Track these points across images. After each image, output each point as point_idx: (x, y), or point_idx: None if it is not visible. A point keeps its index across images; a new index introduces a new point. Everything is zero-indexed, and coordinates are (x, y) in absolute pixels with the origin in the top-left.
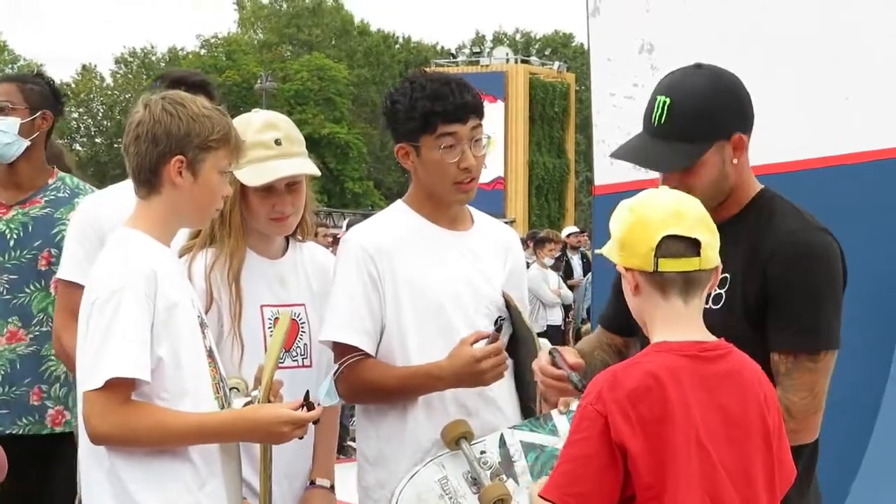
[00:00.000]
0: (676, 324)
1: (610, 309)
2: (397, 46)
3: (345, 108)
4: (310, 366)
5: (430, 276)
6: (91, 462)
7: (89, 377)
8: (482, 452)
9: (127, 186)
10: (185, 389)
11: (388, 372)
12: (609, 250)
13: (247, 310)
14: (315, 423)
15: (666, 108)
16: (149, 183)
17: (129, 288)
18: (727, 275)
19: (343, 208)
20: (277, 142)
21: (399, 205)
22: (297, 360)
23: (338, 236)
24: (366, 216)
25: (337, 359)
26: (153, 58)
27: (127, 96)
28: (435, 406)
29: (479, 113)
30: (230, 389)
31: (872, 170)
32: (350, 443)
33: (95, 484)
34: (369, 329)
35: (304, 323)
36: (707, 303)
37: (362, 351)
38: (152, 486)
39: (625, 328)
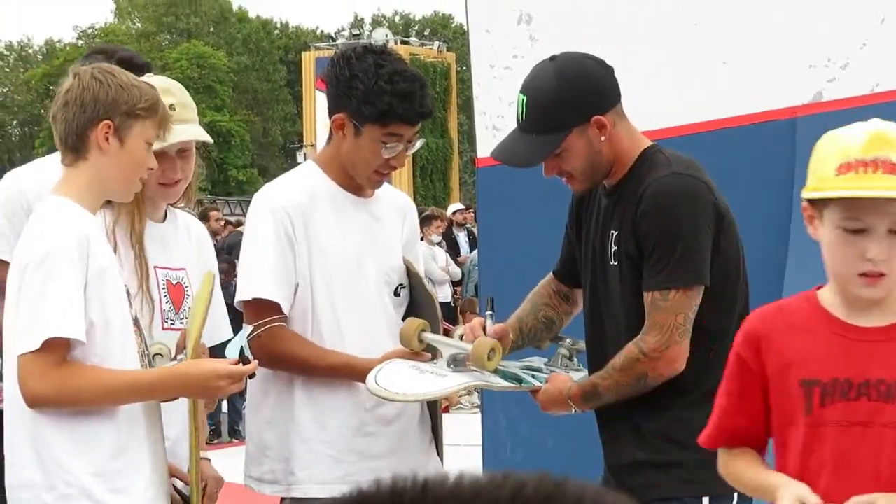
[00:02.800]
0: None
1: (563, 264)
2: (276, 32)
3: (226, 96)
4: None
5: (338, 239)
6: (16, 430)
7: (25, 340)
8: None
9: (50, 160)
10: (113, 354)
11: (316, 353)
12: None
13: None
14: (251, 377)
15: (524, 105)
16: (75, 149)
17: (63, 251)
18: (616, 231)
19: (228, 196)
20: (172, 107)
21: (311, 165)
22: (185, 323)
23: (231, 221)
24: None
25: (251, 318)
26: (30, 51)
27: (4, 90)
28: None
29: (429, 116)
30: (153, 356)
31: (752, 133)
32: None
33: (19, 451)
34: (285, 288)
35: (188, 287)
36: (609, 260)
37: (280, 314)
38: (80, 451)
39: (574, 280)
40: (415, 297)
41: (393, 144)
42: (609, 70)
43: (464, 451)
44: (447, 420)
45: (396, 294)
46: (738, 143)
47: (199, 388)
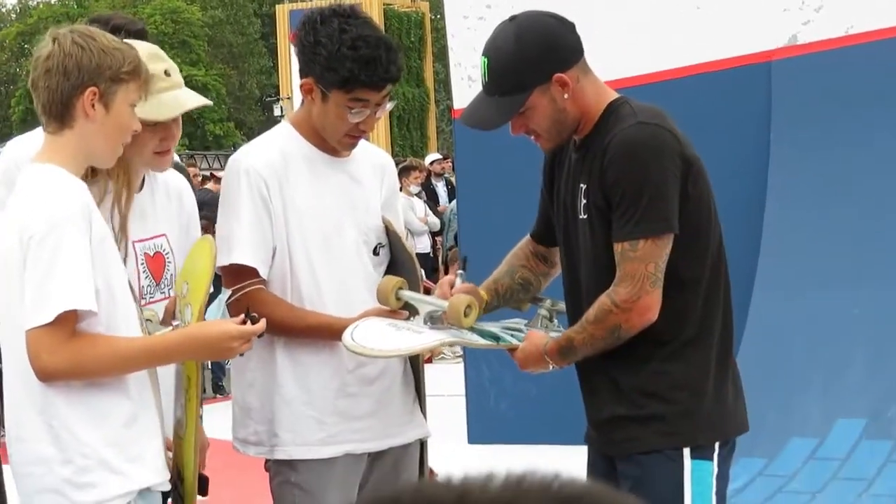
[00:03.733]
0: None
1: (539, 225)
2: None
3: (201, 51)
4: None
5: (315, 201)
6: (22, 404)
7: (35, 313)
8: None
9: None
10: (118, 321)
11: (295, 314)
12: None
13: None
14: (259, 336)
15: (486, 66)
16: (60, 117)
17: (69, 220)
18: (585, 185)
19: (205, 150)
20: (167, 73)
21: (286, 127)
22: (165, 293)
23: (207, 176)
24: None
25: (229, 282)
26: (3, 10)
27: None
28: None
29: (397, 80)
30: (145, 321)
31: (727, 77)
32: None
33: (28, 426)
34: (262, 252)
35: (168, 253)
36: (580, 213)
37: (258, 277)
38: (95, 422)
39: (551, 240)
40: (395, 255)
41: (359, 110)
42: (569, 26)
43: (448, 402)
44: (430, 370)
45: (375, 253)
46: (714, 88)
47: (211, 350)
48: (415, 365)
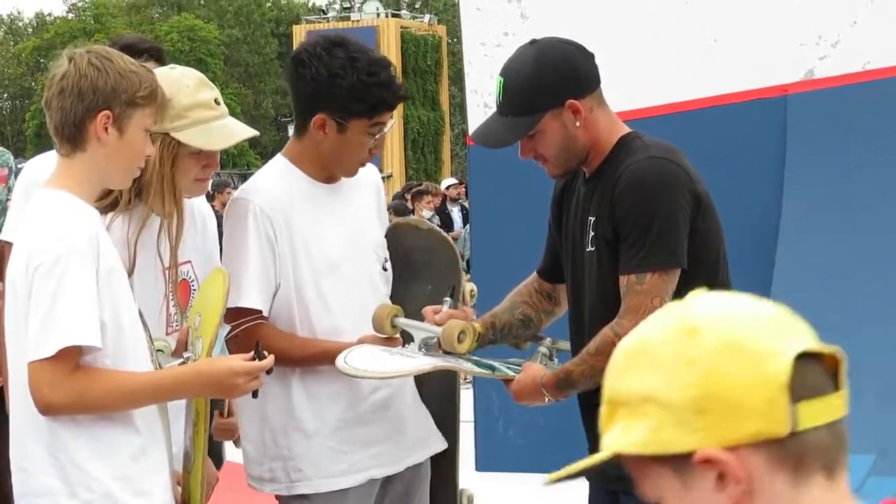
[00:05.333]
0: None
1: (546, 261)
2: (268, 5)
3: (217, 69)
4: None
5: (321, 233)
6: (28, 436)
7: (37, 346)
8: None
9: None
10: (126, 354)
11: (294, 344)
12: (648, 433)
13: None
14: (268, 372)
15: (501, 87)
16: (73, 139)
17: (74, 252)
18: (593, 217)
19: (220, 169)
20: (217, 101)
21: (283, 162)
22: (186, 320)
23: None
24: (244, 176)
25: (230, 319)
26: (20, 24)
27: None
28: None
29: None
30: (156, 352)
31: (743, 110)
32: None
33: (34, 458)
34: (266, 293)
35: (193, 280)
36: (587, 246)
37: (259, 313)
38: (101, 455)
39: (558, 277)
40: (432, 246)
41: (379, 133)
42: (588, 56)
43: None
44: None
45: (384, 269)
46: (730, 120)
47: (217, 387)
48: (452, 381)
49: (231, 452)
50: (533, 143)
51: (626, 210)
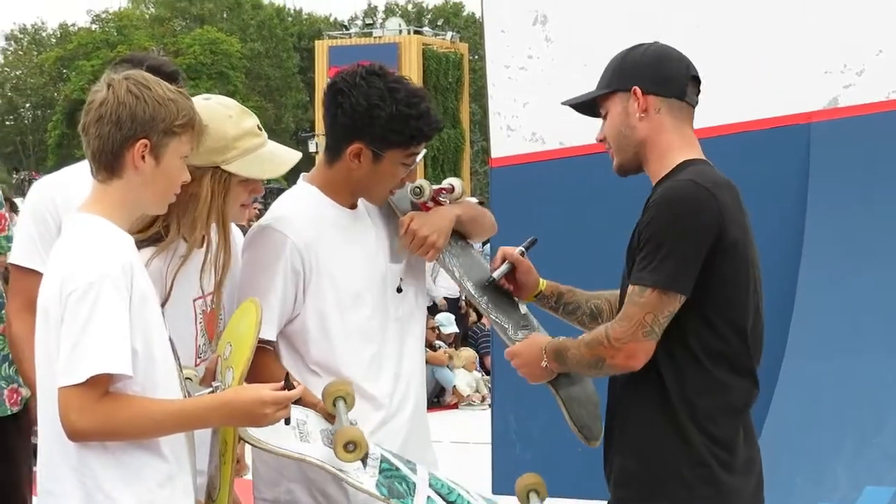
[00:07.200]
0: None
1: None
2: (290, 19)
3: (238, 82)
4: None
5: (346, 262)
6: (56, 460)
7: (67, 372)
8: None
9: (81, 168)
10: (157, 382)
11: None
12: None
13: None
14: (297, 402)
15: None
16: (110, 167)
17: (108, 279)
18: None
19: None
20: (259, 128)
21: (307, 188)
22: (215, 350)
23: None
24: (267, 191)
25: None
26: (44, 34)
27: (17, 73)
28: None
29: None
30: (185, 380)
31: (766, 138)
32: None
33: (61, 482)
34: (281, 323)
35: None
36: (626, 259)
37: (270, 343)
38: (127, 482)
39: None
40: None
41: (412, 163)
42: (688, 67)
43: (473, 450)
44: (456, 416)
45: (399, 290)
46: (753, 148)
47: (244, 417)
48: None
49: None
50: (604, 125)
51: (647, 223)
